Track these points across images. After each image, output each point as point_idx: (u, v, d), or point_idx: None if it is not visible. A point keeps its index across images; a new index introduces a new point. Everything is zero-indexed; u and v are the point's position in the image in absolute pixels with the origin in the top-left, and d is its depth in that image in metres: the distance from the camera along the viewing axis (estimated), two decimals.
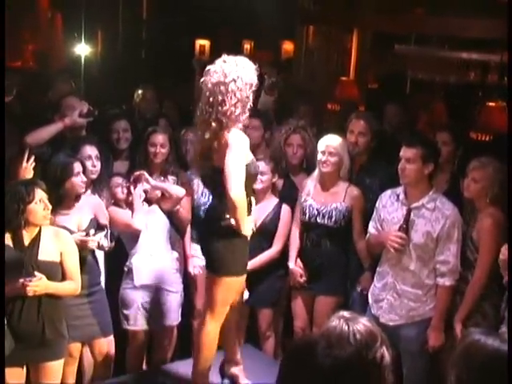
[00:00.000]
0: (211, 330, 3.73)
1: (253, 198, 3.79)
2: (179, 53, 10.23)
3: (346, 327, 1.71)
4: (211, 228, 3.67)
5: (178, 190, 4.67)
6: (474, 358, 1.86)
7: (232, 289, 3.72)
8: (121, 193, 4.63)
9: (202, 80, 3.49)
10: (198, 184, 4.92)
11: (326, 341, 1.64)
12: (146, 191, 4.59)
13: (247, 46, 12.07)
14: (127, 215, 4.54)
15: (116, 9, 11.18)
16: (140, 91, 6.67)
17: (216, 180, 3.54)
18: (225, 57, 3.49)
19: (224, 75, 3.40)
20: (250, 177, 3.60)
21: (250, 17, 9.80)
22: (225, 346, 4.06)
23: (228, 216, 3.56)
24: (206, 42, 11.60)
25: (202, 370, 3.83)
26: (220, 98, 3.40)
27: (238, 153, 3.46)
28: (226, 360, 4.12)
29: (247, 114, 3.51)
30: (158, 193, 4.67)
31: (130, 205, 4.58)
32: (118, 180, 4.67)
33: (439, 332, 3.99)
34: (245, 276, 3.85)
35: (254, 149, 5.12)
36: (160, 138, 4.82)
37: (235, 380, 4.08)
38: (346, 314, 1.81)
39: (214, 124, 3.44)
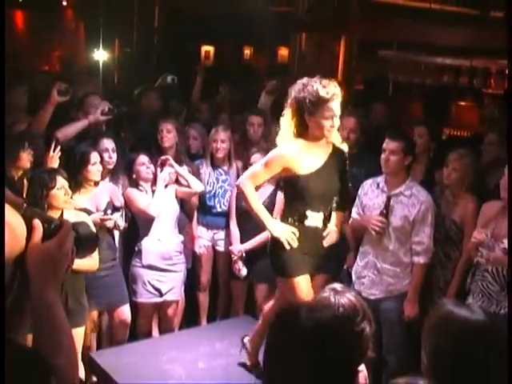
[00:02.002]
0: None
1: None
2: (186, 57, 10.20)
3: (333, 299, 1.72)
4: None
5: (197, 185, 4.62)
6: (450, 328, 1.84)
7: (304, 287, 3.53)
8: (145, 172, 4.54)
9: None
10: (204, 173, 4.95)
11: (309, 305, 1.65)
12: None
13: (247, 52, 12.04)
14: (144, 201, 4.48)
15: (131, 19, 11.14)
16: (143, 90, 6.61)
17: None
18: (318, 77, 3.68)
19: None
20: None
21: (250, 25, 9.77)
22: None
23: None
24: (210, 48, 11.59)
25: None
26: None
27: None
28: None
29: None
30: (173, 176, 4.62)
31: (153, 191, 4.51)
32: (144, 159, 4.54)
33: (414, 304, 4.01)
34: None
35: (255, 143, 5.18)
36: (166, 125, 4.83)
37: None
38: (337, 286, 1.81)
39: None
